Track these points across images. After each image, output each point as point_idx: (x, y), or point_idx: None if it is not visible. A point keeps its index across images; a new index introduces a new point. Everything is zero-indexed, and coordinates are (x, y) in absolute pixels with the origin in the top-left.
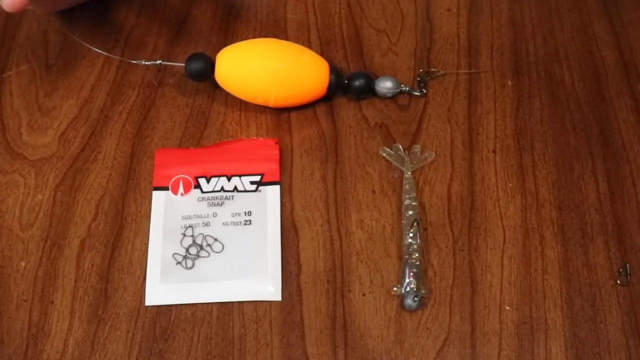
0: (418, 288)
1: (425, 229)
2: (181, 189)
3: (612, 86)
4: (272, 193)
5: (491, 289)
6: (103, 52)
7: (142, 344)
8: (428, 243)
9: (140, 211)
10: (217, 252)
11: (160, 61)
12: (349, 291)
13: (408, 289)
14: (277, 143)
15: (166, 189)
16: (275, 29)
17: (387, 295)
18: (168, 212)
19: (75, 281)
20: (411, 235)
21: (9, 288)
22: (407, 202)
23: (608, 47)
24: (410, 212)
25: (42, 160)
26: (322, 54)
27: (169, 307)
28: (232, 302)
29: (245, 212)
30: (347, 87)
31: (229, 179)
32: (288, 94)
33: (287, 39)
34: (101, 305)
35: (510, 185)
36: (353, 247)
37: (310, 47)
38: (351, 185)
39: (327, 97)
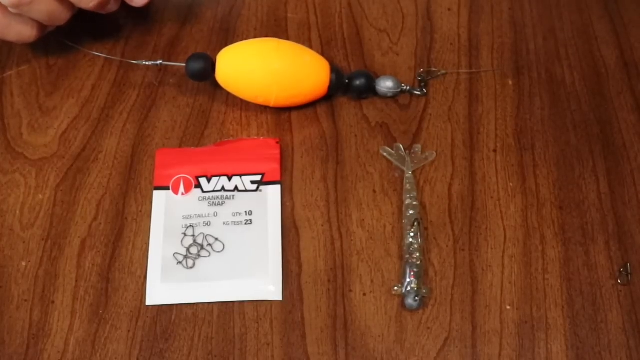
0: (419, 288)
1: (426, 229)
2: (182, 189)
3: (613, 86)
4: (273, 193)
5: (492, 289)
6: (102, 55)
7: (142, 344)
8: (429, 242)
9: (141, 211)
10: (218, 252)
11: (160, 61)
12: (350, 291)
13: (409, 288)
14: (277, 143)
15: (167, 188)
16: (276, 29)
17: (388, 295)
18: (169, 211)
19: (76, 281)
20: (412, 234)
21: (10, 288)
22: (407, 201)
23: (609, 46)
24: (411, 212)
25: (42, 160)
26: (322, 54)
27: (170, 307)
28: (233, 302)
29: (246, 212)
30: (347, 86)
31: (229, 179)
32: (289, 94)
33: (287, 38)
34: (102, 305)
35: (511, 184)
36: (354, 246)
37: (310, 46)
38: (352, 184)
39: (328, 97)
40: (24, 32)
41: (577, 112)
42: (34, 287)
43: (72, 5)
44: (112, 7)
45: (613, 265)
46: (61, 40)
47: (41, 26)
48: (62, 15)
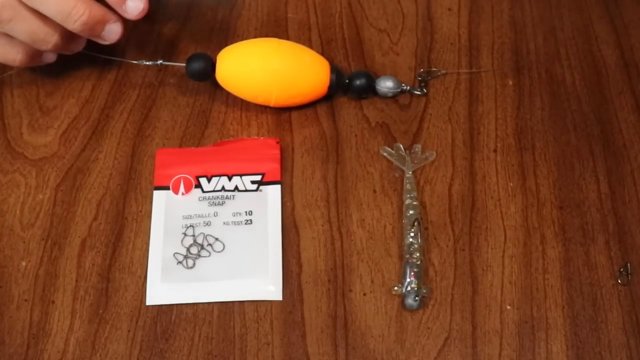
0: (419, 287)
1: (426, 229)
2: (182, 189)
3: (613, 86)
4: (273, 193)
5: (492, 289)
6: (102, 55)
7: (143, 344)
8: (429, 242)
9: (141, 211)
10: (218, 252)
11: (161, 61)
12: (350, 291)
13: (409, 288)
14: (278, 142)
15: (167, 188)
16: (276, 29)
17: (388, 295)
18: (169, 211)
19: (76, 281)
20: (412, 234)
21: (10, 288)
22: (408, 201)
23: (609, 46)
24: (411, 212)
25: (43, 160)
26: (322, 54)
27: (170, 307)
28: (233, 302)
29: (246, 212)
30: (348, 86)
31: (229, 179)
32: (289, 94)
33: (287, 38)
34: (102, 305)
35: (511, 184)
36: (354, 246)
37: (311, 46)
38: (352, 184)
39: (328, 97)
40: (9, 54)
41: (577, 112)
42: (34, 287)
43: (60, 29)
44: (109, 35)
45: (613, 265)
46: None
47: (29, 51)
48: (47, 38)
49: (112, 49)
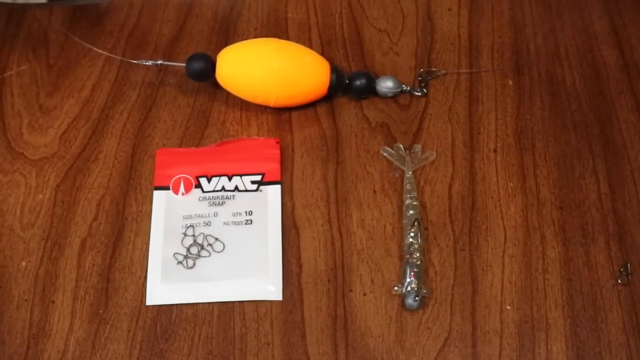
0: (419, 287)
1: (426, 229)
2: (182, 189)
3: (613, 86)
4: (273, 193)
5: (492, 289)
6: (104, 52)
7: (143, 344)
8: (429, 242)
9: (141, 211)
10: (218, 252)
11: (161, 61)
12: (350, 291)
13: (409, 288)
14: (278, 143)
15: (167, 188)
16: (276, 29)
17: (388, 295)
18: (169, 211)
19: (76, 281)
20: (412, 234)
21: (10, 288)
22: (408, 201)
23: (609, 46)
24: (411, 212)
25: (43, 160)
26: (323, 54)
27: (170, 307)
28: (233, 302)
29: (246, 212)
30: (348, 86)
31: (229, 179)
32: (289, 94)
33: (288, 38)
34: (102, 305)
35: (511, 184)
36: (354, 246)
37: (311, 46)
38: (352, 184)
39: (328, 97)
40: None
41: (577, 112)
42: (34, 287)
43: None
44: None
45: (613, 265)
46: (64, 33)
47: None
48: None
49: (113, 48)
